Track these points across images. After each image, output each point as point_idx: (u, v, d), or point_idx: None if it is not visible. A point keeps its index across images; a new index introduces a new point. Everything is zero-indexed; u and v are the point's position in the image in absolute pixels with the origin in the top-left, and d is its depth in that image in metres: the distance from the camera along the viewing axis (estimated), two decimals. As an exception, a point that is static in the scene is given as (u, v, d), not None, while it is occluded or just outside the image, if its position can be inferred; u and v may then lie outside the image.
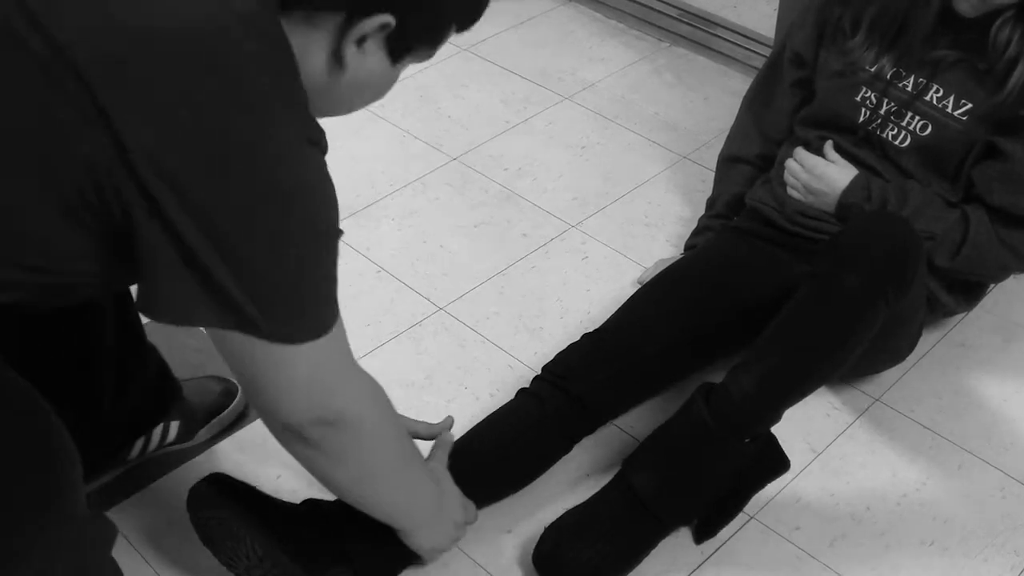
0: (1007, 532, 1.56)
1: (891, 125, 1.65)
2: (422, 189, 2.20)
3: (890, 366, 1.75)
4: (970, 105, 1.59)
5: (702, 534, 1.53)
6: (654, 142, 2.34)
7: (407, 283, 1.98)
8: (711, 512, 1.52)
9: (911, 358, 1.80)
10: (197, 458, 1.67)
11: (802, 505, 1.60)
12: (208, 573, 1.52)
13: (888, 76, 1.65)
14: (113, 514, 1.60)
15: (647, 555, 1.49)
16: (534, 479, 1.58)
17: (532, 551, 1.48)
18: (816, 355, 1.47)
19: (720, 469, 1.47)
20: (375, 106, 2.42)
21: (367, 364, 1.81)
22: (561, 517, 1.51)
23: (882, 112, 1.65)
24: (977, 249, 1.60)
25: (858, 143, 1.69)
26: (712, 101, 2.47)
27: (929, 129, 1.62)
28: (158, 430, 1.61)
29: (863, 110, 1.67)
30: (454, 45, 2.65)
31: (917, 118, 1.63)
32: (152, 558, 1.55)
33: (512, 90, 2.49)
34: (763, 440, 1.50)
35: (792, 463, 1.64)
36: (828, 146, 1.68)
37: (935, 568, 1.52)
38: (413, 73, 2.54)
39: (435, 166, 2.27)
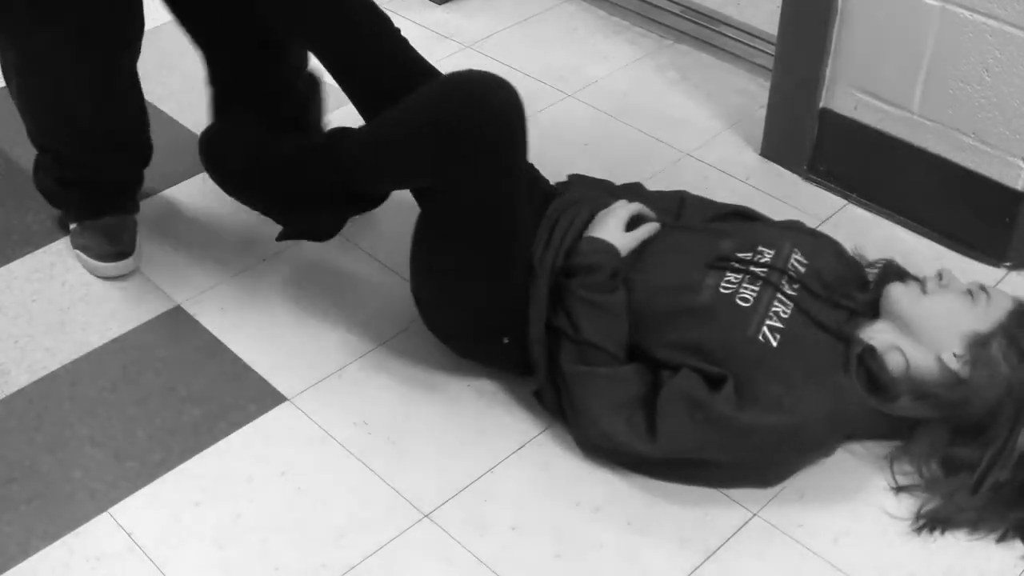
0: (1011, 529, 1.56)
1: None
2: (425, 186, 2.20)
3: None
4: None
5: None
6: (657, 139, 2.34)
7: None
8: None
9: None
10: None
11: (805, 502, 1.60)
12: (213, 572, 1.53)
13: None
14: (117, 511, 1.60)
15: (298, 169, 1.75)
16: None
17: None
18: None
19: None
20: (378, 103, 2.43)
21: (370, 361, 1.82)
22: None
23: None
24: None
25: None
26: (715, 98, 2.47)
27: None
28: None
29: None
30: (457, 43, 2.65)
31: None
32: (156, 556, 1.55)
33: (515, 87, 2.48)
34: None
35: (796, 460, 1.65)
36: None
37: (939, 564, 1.52)
38: (416, 70, 2.54)
39: (438, 163, 2.26)
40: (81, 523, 1.59)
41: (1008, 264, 1.97)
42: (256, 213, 1.90)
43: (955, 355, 1.57)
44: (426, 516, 1.59)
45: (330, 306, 1.94)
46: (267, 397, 1.77)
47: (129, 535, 1.57)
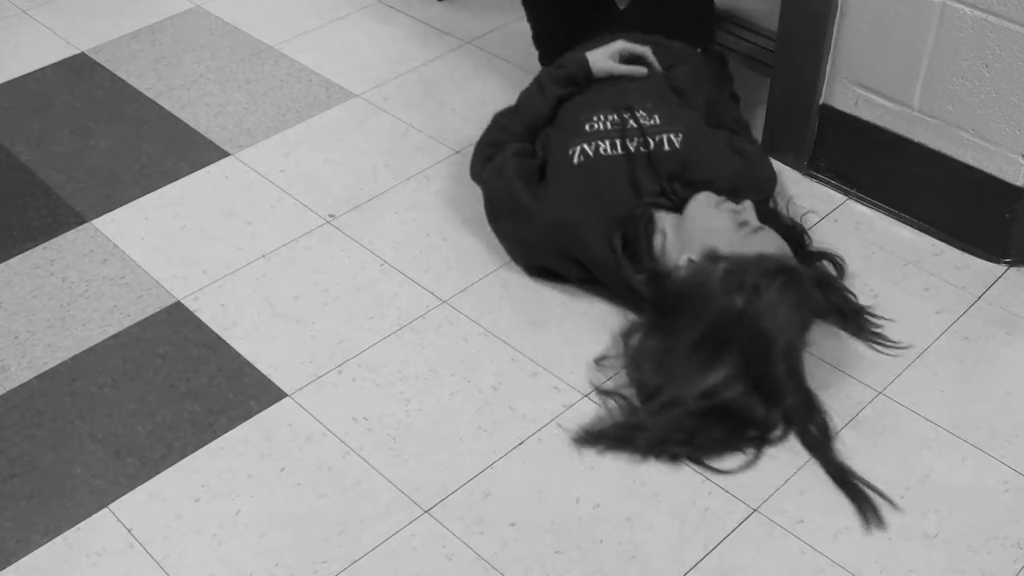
0: (1011, 525, 1.56)
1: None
2: (425, 182, 2.20)
3: None
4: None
5: None
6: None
7: (410, 276, 1.98)
8: None
9: (914, 352, 1.81)
10: (199, 452, 1.68)
11: (805, 498, 1.60)
12: (214, 568, 1.53)
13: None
14: (118, 507, 1.61)
15: None
16: None
17: None
18: None
19: None
20: (378, 99, 2.44)
21: (370, 358, 1.83)
22: None
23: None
24: None
25: None
26: (715, 94, 2.46)
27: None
28: None
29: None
30: (457, 38, 2.65)
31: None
32: (156, 552, 1.55)
33: (515, 83, 2.48)
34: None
35: (795, 456, 1.65)
36: None
37: (938, 561, 1.52)
38: (416, 66, 2.54)
39: (438, 159, 2.26)
40: (81, 519, 1.59)
41: (1008, 260, 1.97)
42: (256, 213, 1.89)
43: (690, 259, 1.72)
44: (426, 512, 1.59)
45: (330, 302, 1.94)
46: (267, 393, 1.77)
47: (129, 531, 1.58)
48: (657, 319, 1.73)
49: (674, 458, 1.64)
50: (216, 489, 1.63)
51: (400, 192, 2.18)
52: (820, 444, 1.65)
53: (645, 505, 1.59)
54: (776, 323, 1.62)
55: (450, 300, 1.93)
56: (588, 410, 1.73)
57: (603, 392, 1.74)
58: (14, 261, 2.05)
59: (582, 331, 1.86)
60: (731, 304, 1.61)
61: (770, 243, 1.72)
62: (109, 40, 2.69)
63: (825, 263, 1.92)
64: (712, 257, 1.68)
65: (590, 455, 1.66)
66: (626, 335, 1.77)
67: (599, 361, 1.79)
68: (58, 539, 1.57)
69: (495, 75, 2.52)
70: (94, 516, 1.60)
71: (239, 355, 1.84)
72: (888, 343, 1.82)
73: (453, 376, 1.80)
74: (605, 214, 1.83)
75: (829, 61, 2.04)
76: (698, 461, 1.64)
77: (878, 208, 2.10)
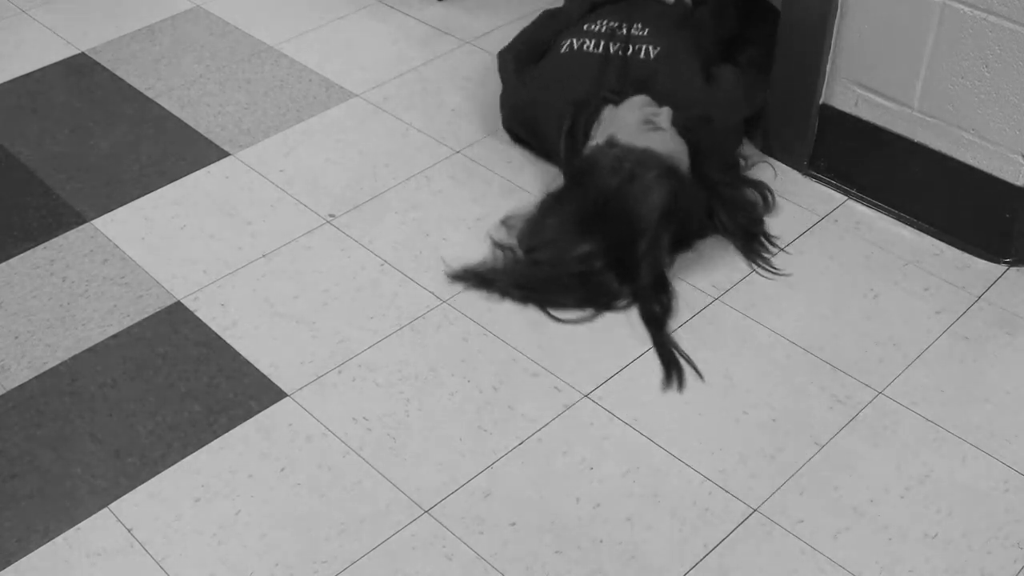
0: (1011, 525, 1.56)
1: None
2: (425, 182, 2.20)
3: None
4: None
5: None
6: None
7: (410, 276, 1.98)
8: None
9: (914, 351, 1.80)
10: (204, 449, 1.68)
11: (805, 498, 1.60)
12: (214, 567, 1.53)
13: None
14: (118, 507, 1.61)
15: None
16: None
17: None
18: None
19: None
20: (378, 99, 2.43)
21: (370, 357, 1.83)
22: None
23: None
24: None
25: None
26: (715, 94, 2.46)
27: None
28: None
29: None
30: (457, 38, 2.65)
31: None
32: (156, 552, 1.55)
33: (515, 83, 2.48)
34: None
35: (795, 456, 1.65)
36: None
37: (938, 561, 1.52)
38: (416, 66, 2.54)
39: (438, 159, 2.26)
40: (81, 519, 1.59)
41: (1008, 260, 1.97)
42: (256, 213, 1.89)
43: (597, 144, 1.95)
44: (426, 512, 1.59)
45: (330, 302, 1.94)
46: (267, 393, 1.77)
47: (129, 531, 1.58)
48: (560, 191, 1.97)
49: (523, 301, 1.89)
50: (216, 489, 1.63)
51: (400, 192, 2.18)
52: (658, 320, 1.84)
53: (645, 505, 1.59)
54: (643, 209, 1.83)
55: (450, 300, 1.93)
56: (589, 410, 1.73)
57: (495, 243, 1.99)
58: (14, 261, 2.05)
59: (582, 331, 1.86)
60: (608, 185, 1.85)
61: (664, 144, 1.91)
62: (109, 40, 2.69)
63: (752, 191, 2.09)
64: (611, 143, 1.91)
65: (589, 454, 1.66)
66: (539, 203, 1.99)
67: (504, 220, 2.04)
68: (58, 539, 1.57)
69: (495, 75, 2.52)
70: (94, 516, 1.60)
71: (239, 355, 1.84)
72: (769, 268, 1.96)
73: (453, 376, 1.80)
74: (563, 100, 2.08)
75: (829, 61, 2.05)
76: (542, 308, 1.87)
77: (878, 208, 2.10)
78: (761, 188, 2.10)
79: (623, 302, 1.88)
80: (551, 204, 1.95)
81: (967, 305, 1.89)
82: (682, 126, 1.97)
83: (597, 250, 1.85)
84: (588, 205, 1.87)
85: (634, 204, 1.83)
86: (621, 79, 2.10)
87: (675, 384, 1.75)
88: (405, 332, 1.88)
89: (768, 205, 2.08)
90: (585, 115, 2.03)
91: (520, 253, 1.94)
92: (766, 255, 1.98)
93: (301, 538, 1.56)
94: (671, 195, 1.84)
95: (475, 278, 1.93)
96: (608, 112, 2.01)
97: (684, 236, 1.95)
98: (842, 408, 1.73)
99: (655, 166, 1.85)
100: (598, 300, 1.87)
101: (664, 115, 1.97)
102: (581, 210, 1.88)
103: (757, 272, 1.95)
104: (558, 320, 1.85)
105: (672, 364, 1.78)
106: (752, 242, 2.00)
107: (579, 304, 1.87)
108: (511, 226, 2.00)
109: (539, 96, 2.15)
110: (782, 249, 2.00)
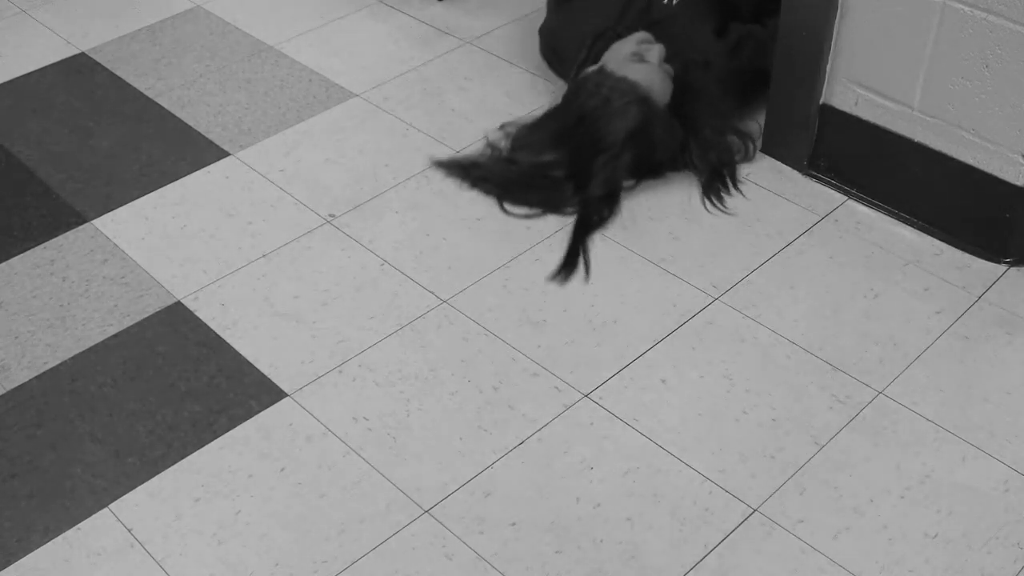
0: (1011, 525, 1.56)
1: None
2: (426, 182, 2.20)
3: None
4: None
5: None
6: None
7: (410, 276, 1.98)
8: None
9: (914, 351, 1.81)
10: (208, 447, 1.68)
11: (805, 498, 1.60)
12: (214, 567, 1.53)
13: None
14: (118, 507, 1.61)
15: None
16: None
17: None
18: None
19: None
20: (378, 99, 2.43)
21: (370, 357, 1.83)
22: None
23: None
24: None
25: None
26: (715, 94, 2.47)
27: None
28: None
29: None
30: (457, 38, 2.65)
31: None
32: (156, 552, 1.55)
33: (516, 83, 2.48)
34: None
35: (795, 456, 1.65)
36: None
37: (938, 561, 1.52)
38: (416, 66, 2.54)
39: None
40: (81, 519, 1.60)
41: (1008, 260, 1.97)
42: (256, 213, 1.89)
43: (591, 69, 2.14)
44: (426, 512, 1.59)
45: (330, 302, 1.94)
46: (267, 393, 1.77)
47: (129, 531, 1.58)
48: (554, 108, 2.18)
49: (487, 193, 2.12)
50: (216, 489, 1.63)
51: (400, 192, 2.18)
52: (587, 227, 2.04)
53: (645, 505, 1.59)
54: (609, 129, 2.02)
55: (450, 300, 1.93)
56: (589, 410, 1.73)
57: (487, 142, 2.21)
58: (14, 261, 2.05)
59: (582, 331, 1.86)
60: (585, 105, 2.06)
61: (645, 76, 2.08)
62: (109, 40, 2.69)
63: (735, 139, 2.21)
64: (600, 71, 2.11)
65: (589, 454, 1.66)
66: (537, 116, 2.21)
67: (503, 125, 2.24)
68: (58, 539, 1.57)
69: (495, 75, 2.52)
70: (94, 516, 1.60)
71: (239, 355, 1.84)
72: (719, 206, 2.11)
73: (453, 376, 1.80)
74: (585, 32, 2.25)
75: (829, 61, 2.04)
76: (499, 202, 2.10)
77: (878, 208, 2.10)
78: (745, 138, 2.22)
79: (571, 209, 2.07)
80: (542, 118, 2.18)
81: (967, 305, 1.89)
82: (681, 65, 2.14)
83: (563, 159, 2.06)
84: (566, 121, 2.09)
85: (603, 124, 2.03)
86: (641, 18, 2.27)
87: (560, 277, 1.96)
88: (405, 332, 1.88)
89: (748, 154, 2.21)
90: (599, 46, 2.20)
91: (503, 154, 2.17)
92: (723, 194, 2.12)
93: (301, 538, 1.56)
94: (639, 122, 2.03)
95: (455, 167, 2.18)
96: (614, 44, 2.18)
97: (652, 164, 2.13)
98: (842, 408, 1.73)
99: (630, 94, 2.04)
100: (550, 203, 2.08)
101: (655, 51, 2.12)
102: (559, 125, 2.10)
103: (706, 209, 2.10)
104: (509, 214, 2.09)
105: (571, 262, 1.97)
106: (714, 179, 2.14)
107: (533, 204, 2.09)
108: (507, 132, 2.20)
109: (567, 26, 2.36)
110: (742, 194, 2.13)
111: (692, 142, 2.13)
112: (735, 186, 2.13)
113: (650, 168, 2.14)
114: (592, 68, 2.15)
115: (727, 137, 2.20)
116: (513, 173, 2.12)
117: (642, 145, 2.04)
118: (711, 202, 2.10)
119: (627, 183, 2.11)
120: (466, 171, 2.17)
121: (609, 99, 2.04)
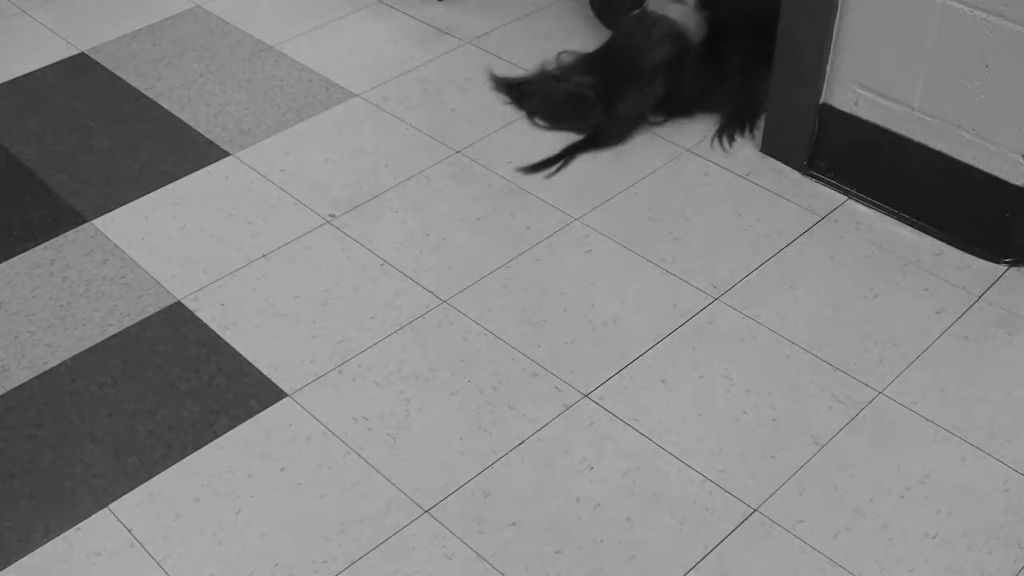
0: (1010, 525, 1.56)
1: None
2: (425, 182, 2.20)
3: None
4: None
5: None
6: (657, 135, 2.33)
7: (410, 276, 1.98)
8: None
9: (914, 351, 1.81)
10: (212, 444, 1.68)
11: (806, 498, 1.60)
12: (214, 567, 1.53)
13: None
14: (118, 507, 1.61)
15: None
16: None
17: None
18: None
19: None
20: (378, 99, 2.43)
21: (370, 357, 1.83)
22: None
23: None
24: None
25: None
26: (715, 94, 2.47)
27: None
28: None
29: None
30: (457, 38, 2.65)
31: None
32: (156, 552, 1.55)
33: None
34: None
35: (795, 456, 1.65)
36: None
37: (938, 561, 1.52)
38: (416, 66, 2.54)
39: (438, 159, 2.26)
40: (81, 519, 1.60)
41: (1008, 260, 1.97)
42: (256, 213, 1.89)
43: (639, 11, 2.35)
44: (426, 512, 1.59)
45: (330, 302, 1.94)
46: (267, 393, 1.77)
47: (129, 531, 1.58)
48: (604, 44, 2.42)
49: (520, 105, 2.37)
50: (216, 489, 1.63)
51: (400, 192, 2.18)
52: (590, 142, 2.25)
53: (645, 505, 1.59)
54: (643, 59, 2.27)
55: (450, 300, 1.93)
56: (589, 410, 1.73)
57: (542, 65, 2.47)
58: (14, 261, 2.05)
59: (582, 331, 1.86)
60: (625, 36, 2.34)
61: (680, 15, 2.29)
62: (109, 40, 2.69)
63: (763, 87, 2.27)
64: (642, 11, 2.35)
65: (589, 454, 1.66)
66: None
67: (559, 53, 2.50)
68: (58, 539, 1.57)
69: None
70: (94, 516, 1.60)
71: (239, 355, 1.84)
72: (722, 147, 2.25)
73: (453, 376, 1.80)
74: None
75: (829, 61, 2.04)
76: (529, 115, 2.34)
77: (878, 208, 2.10)
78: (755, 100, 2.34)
79: (591, 126, 2.28)
80: (592, 52, 2.44)
81: (967, 305, 1.89)
82: (721, 10, 2.33)
83: (597, 82, 2.32)
84: (605, 50, 2.38)
85: (638, 54, 2.28)
86: None
87: (530, 169, 2.19)
88: (405, 332, 1.88)
89: (756, 117, 2.31)
90: None
91: (552, 74, 2.43)
92: (734, 138, 2.26)
93: (301, 538, 1.56)
94: (672, 55, 2.25)
95: (504, 85, 2.44)
96: None
97: (682, 100, 2.31)
98: (842, 408, 1.73)
99: (666, 30, 2.27)
100: (577, 117, 2.30)
101: None
102: (600, 54, 2.39)
103: (713, 147, 2.25)
104: (537, 126, 2.32)
105: (551, 161, 2.21)
106: (732, 122, 2.29)
107: (563, 117, 2.32)
108: (561, 59, 2.47)
109: None
110: (754, 139, 2.24)
111: (721, 84, 2.31)
112: (751, 131, 2.26)
113: (680, 104, 2.31)
114: (637, 11, 2.36)
115: (756, 84, 2.30)
116: (554, 89, 2.37)
117: (674, 77, 2.26)
118: (721, 142, 2.24)
119: (657, 118, 2.30)
120: (513, 89, 2.41)
121: (648, 33, 2.27)
